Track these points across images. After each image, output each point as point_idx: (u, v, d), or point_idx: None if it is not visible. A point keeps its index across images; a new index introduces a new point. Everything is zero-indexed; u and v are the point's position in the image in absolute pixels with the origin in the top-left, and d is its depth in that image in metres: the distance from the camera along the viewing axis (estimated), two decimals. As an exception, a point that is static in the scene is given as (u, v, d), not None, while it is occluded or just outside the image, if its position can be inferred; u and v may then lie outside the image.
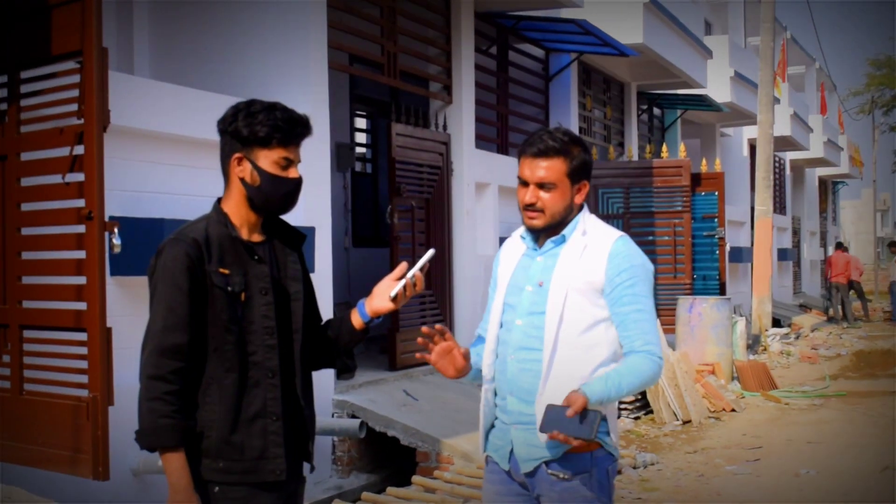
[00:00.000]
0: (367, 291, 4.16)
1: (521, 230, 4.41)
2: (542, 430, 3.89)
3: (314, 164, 10.83)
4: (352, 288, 14.23)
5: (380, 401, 11.34)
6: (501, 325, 4.36)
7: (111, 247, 6.63)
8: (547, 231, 4.27)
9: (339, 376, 11.04)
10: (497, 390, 4.36)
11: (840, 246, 33.88)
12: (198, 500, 3.81)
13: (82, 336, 6.51)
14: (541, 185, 4.17)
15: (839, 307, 30.86)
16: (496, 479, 4.44)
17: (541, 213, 4.19)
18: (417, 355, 4.12)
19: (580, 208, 4.31)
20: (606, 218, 18.71)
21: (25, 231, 6.91)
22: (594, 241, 4.22)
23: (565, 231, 4.25)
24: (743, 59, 27.77)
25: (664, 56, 20.68)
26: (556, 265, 4.21)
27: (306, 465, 4.25)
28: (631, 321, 4.13)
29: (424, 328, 4.15)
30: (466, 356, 4.31)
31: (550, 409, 3.87)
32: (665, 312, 16.82)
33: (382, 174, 15.46)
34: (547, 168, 4.16)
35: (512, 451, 4.29)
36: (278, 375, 3.95)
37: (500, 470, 4.39)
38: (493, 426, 4.41)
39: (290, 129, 3.91)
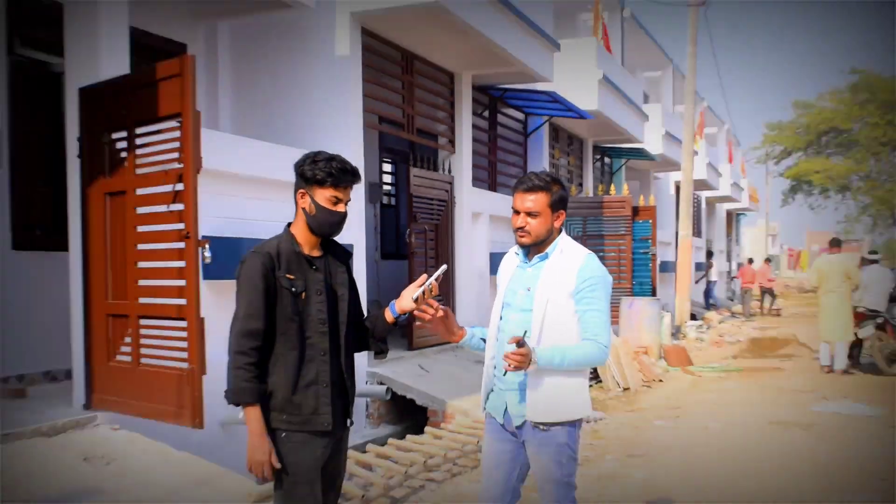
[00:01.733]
0: (391, 293, 4.32)
1: (515, 248, 4.53)
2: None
3: (353, 198, 10.86)
4: (380, 290, 14.23)
5: (401, 372, 11.37)
6: (501, 318, 4.48)
7: (203, 258, 6.71)
8: (533, 247, 4.41)
9: (375, 357, 11.08)
10: (496, 364, 4.45)
11: (750, 261, 33.91)
12: (269, 443, 3.90)
13: (183, 324, 6.62)
14: (528, 213, 4.33)
15: (746, 305, 31.11)
16: (493, 430, 4.54)
17: (528, 234, 4.36)
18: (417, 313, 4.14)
19: (560, 231, 4.46)
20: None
21: (140, 247, 7.01)
22: (568, 258, 4.37)
23: (548, 250, 4.41)
24: (671, 122, 27.73)
25: (613, 119, 20.68)
26: (540, 275, 4.37)
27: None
28: (588, 317, 4.25)
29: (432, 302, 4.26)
30: (460, 327, 4.48)
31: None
32: (612, 309, 16.86)
33: (403, 206, 15.48)
34: (533, 200, 4.32)
35: (506, 410, 4.41)
36: (328, 354, 4.04)
37: (496, 423, 4.50)
38: (492, 390, 4.50)
39: (341, 175, 3.99)
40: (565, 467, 4.34)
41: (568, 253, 4.38)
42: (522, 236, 4.38)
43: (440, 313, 4.29)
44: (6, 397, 8.13)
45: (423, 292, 4.18)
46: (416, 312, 4.23)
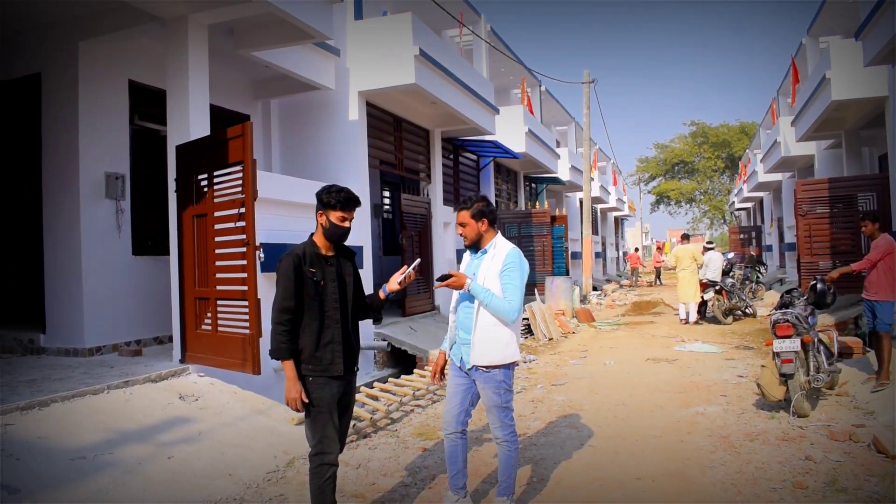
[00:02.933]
0: (390, 277, 4.22)
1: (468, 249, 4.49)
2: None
3: (363, 215, 10.73)
4: (383, 276, 14.09)
5: (397, 331, 11.20)
6: (459, 295, 4.41)
7: (259, 258, 6.51)
8: (475, 246, 4.37)
9: (373, 323, 10.94)
10: (457, 326, 4.36)
11: (636, 250, 34.04)
12: (300, 385, 3.82)
13: (245, 303, 6.46)
14: (461, 225, 4.34)
15: (634, 279, 31.33)
16: (454, 370, 4.43)
17: (465, 238, 4.36)
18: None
19: (495, 232, 4.40)
20: (508, 239, 18.64)
21: (217, 251, 6.81)
22: (499, 251, 4.29)
23: (486, 247, 4.34)
24: (575, 159, 27.69)
25: (536, 158, 20.61)
26: (481, 264, 4.30)
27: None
28: (506, 287, 4.19)
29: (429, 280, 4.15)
30: None
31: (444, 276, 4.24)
32: (539, 286, 16.78)
33: (397, 219, 15.31)
34: (462, 216, 4.33)
35: (462, 357, 4.29)
36: (340, 322, 3.94)
37: (455, 366, 4.40)
38: (454, 343, 4.38)
39: (347, 202, 3.94)
40: (503, 396, 4.25)
41: (499, 248, 4.33)
42: (465, 241, 4.40)
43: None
44: (128, 355, 7.92)
45: (404, 278, 4.23)
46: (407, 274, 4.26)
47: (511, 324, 4.23)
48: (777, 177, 27.39)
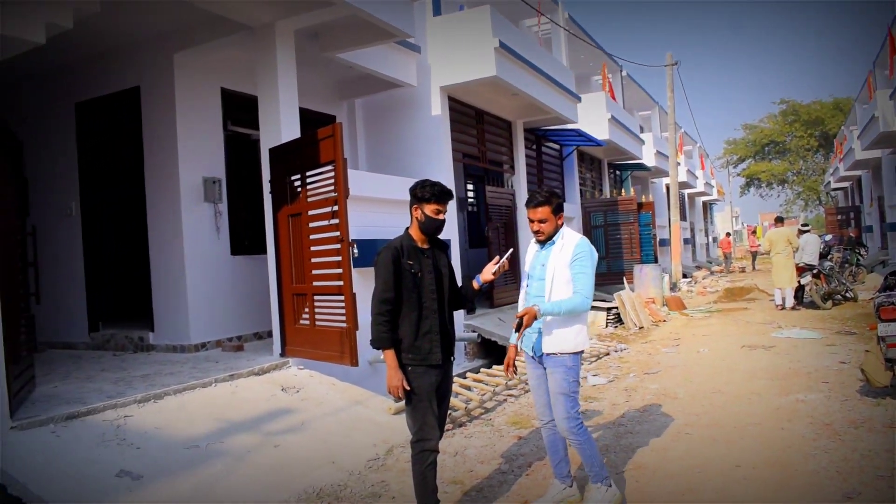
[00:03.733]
0: (477, 270, 4.38)
1: (534, 240, 4.49)
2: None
3: (450, 209, 10.85)
4: (469, 268, 14.18)
5: (486, 323, 11.30)
6: (527, 285, 4.48)
7: (353, 254, 6.71)
8: (546, 240, 4.38)
9: (467, 313, 11.07)
10: None
11: (728, 235, 33.18)
12: (401, 374, 3.93)
13: (341, 298, 6.64)
14: (540, 221, 4.34)
15: (726, 265, 30.68)
16: (531, 364, 4.50)
17: (542, 234, 4.37)
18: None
19: (561, 226, 4.40)
20: (593, 228, 18.55)
21: (312, 248, 7.03)
22: (568, 241, 4.33)
23: (554, 238, 4.36)
24: (660, 144, 27.16)
25: (620, 144, 20.35)
26: (550, 255, 4.34)
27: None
28: (577, 278, 4.22)
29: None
30: None
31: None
32: (628, 274, 16.59)
33: (482, 212, 15.38)
34: (541, 212, 4.32)
35: (532, 346, 4.38)
36: (437, 313, 4.04)
37: (530, 357, 4.48)
38: (525, 335, 4.41)
39: (441, 195, 4.03)
40: (571, 385, 4.28)
41: (567, 238, 4.36)
42: (539, 237, 4.40)
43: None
44: (230, 350, 8.29)
45: (499, 268, 4.29)
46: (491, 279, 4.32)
47: (584, 315, 4.29)
48: (876, 154, 26.10)
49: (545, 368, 4.37)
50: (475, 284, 4.29)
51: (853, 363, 8.11)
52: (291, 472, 5.05)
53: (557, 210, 4.34)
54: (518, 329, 4.18)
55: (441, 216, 4.08)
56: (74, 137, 9.45)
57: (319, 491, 4.85)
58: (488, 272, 4.25)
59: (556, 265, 4.26)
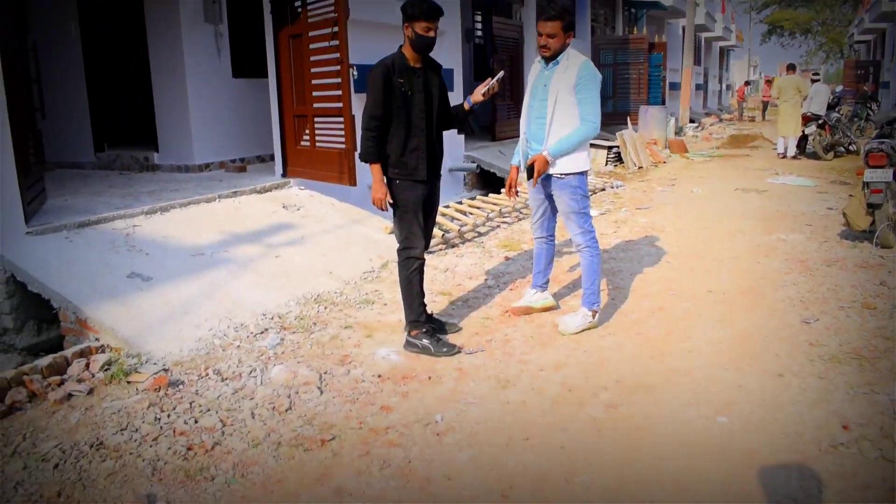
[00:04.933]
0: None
1: (538, 58, 4.49)
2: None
3: (454, 41, 10.73)
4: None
5: (486, 155, 11.46)
6: (529, 105, 4.51)
7: (352, 77, 6.78)
8: (551, 58, 4.36)
9: (458, 133, 11.14)
10: (527, 138, 4.54)
11: (746, 83, 32.68)
12: (385, 187, 4.18)
13: (340, 119, 6.75)
14: (548, 35, 4.30)
15: (737, 113, 30.52)
16: (530, 184, 4.63)
17: (549, 50, 4.34)
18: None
19: (567, 46, 4.37)
20: (602, 67, 18.18)
21: (313, 70, 7.06)
22: (572, 62, 4.33)
23: (559, 58, 4.36)
24: (681, -17, 26.19)
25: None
26: (553, 75, 4.35)
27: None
28: (582, 103, 4.28)
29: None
30: None
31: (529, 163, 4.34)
32: (633, 115, 16.52)
33: (488, 44, 15.10)
34: (551, 26, 4.28)
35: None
36: (424, 132, 4.17)
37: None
38: (526, 156, 4.55)
39: (431, 11, 4.05)
40: (580, 202, 4.45)
41: (572, 59, 4.35)
42: (545, 52, 4.37)
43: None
44: (233, 171, 8.53)
45: (488, 89, 4.37)
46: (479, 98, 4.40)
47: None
48: (904, 4, 25.14)
49: (548, 192, 4.55)
50: (466, 105, 4.41)
51: (839, 210, 8.36)
52: (291, 280, 5.41)
53: (568, 28, 4.31)
54: (530, 177, 4.33)
55: (431, 34, 4.10)
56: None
57: (317, 296, 5.23)
58: (478, 93, 4.36)
59: (560, 86, 4.28)
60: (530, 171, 4.34)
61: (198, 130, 8.54)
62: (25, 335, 4.98)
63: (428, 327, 4.33)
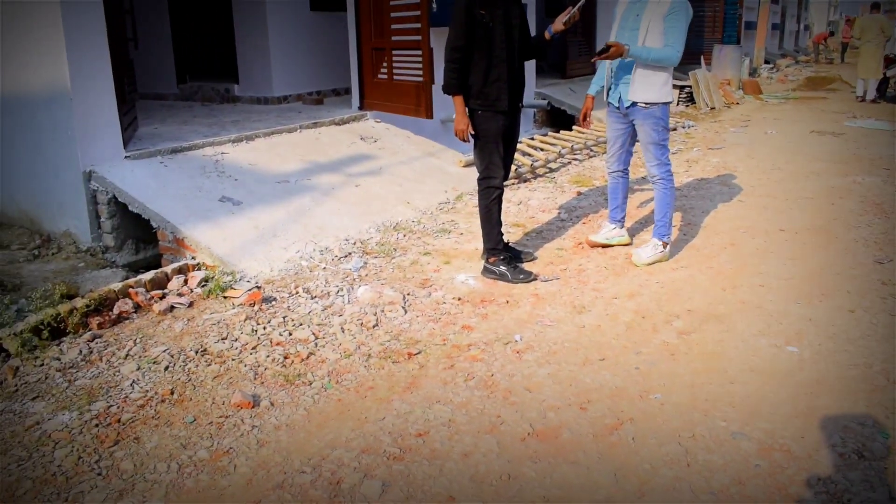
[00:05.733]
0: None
1: None
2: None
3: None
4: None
5: (556, 92, 11.37)
6: (617, 33, 4.50)
7: (431, 10, 6.82)
8: None
9: (539, 60, 11.01)
10: (613, 68, 4.56)
11: (830, 32, 31.53)
12: (468, 118, 4.29)
13: (419, 52, 6.84)
14: None
15: (815, 55, 29.43)
16: (613, 114, 4.69)
17: None
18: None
19: None
20: (678, 4, 17.69)
21: (393, 2, 7.13)
22: None
23: None
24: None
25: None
26: (647, 5, 4.34)
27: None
28: (670, 31, 4.26)
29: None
30: None
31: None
32: (706, 54, 16.08)
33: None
34: None
35: (620, 98, 4.54)
36: (506, 62, 4.23)
37: (614, 109, 4.64)
38: (611, 87, 4.60)
39: None
40: (661, 133, 4.48)
41: None
42: None
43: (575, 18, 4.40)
44: (310, 103, 8.72)
45: (569, 18, 4.38)
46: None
47: (671, 67, 4.39)
48: None
49: (629, 123, 4.60)
50: (546, 35, 4.45)
51: (921, 153, 8.14)
52: (371, 208, 5.61)
53: None
54: (601, 54, 4.28)
55: None
56: None
57: (396, 224, 5.42)
58: (559, 22, 4.39)
59: (652, 16, 4.27)
60: (604, 50, 4.29)
61: (277, 63, 8.73)
62: (125, 253, 5.33)
63: (505, 255, 4.49)
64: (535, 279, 4.38)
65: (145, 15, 9.67)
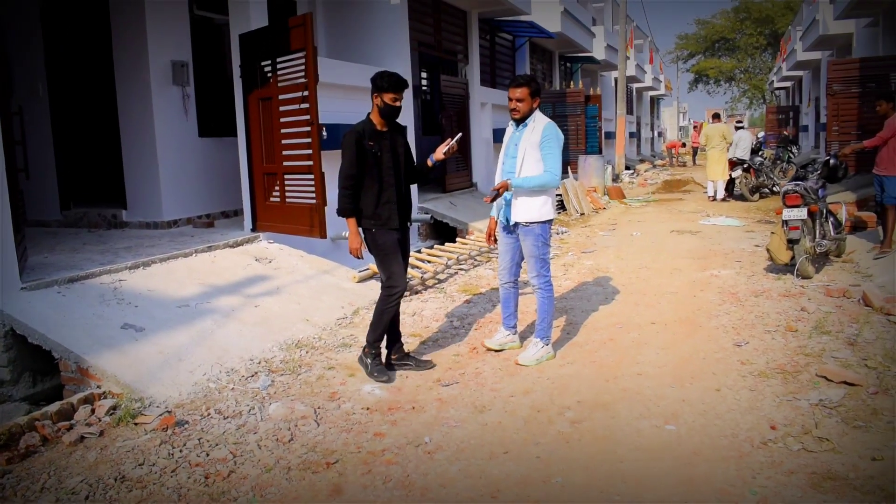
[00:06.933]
0: (430, 154, 5.05)
1: (511, 121, 5.16)
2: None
3: (405, 97, 11.31)
4: (423, 154, 14.77)
5: (439, 206, 12.00)
6: (503, 163, 5.17)
7: (321, 136, 7.26)
8: (520, 120, 5.03)
9: (422, 184, 11.62)
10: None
11: (683, 144, 34.60)
12: (361, 238, 4.80)
13: (311, 177, 7.17)
14: (518, 100, 4.97)
15: (670, 159, 32.02)
16: (503, 232, 5.26)
17: (518, 112, 5.01)
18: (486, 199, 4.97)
19: (535, 110, 5.04)
20: (544, 119, 19.09)
21: (283, 131, 7.48)
22: (538, 124, 4.99)
23: (527, 121, 5.03)
24: (611, 37, 27.58)
25: (572, 37, 20.75)
26: (522, 135, 5.01)
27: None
28: (547, 157, 4.93)
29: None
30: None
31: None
32: (573, 164, 17.38)
33: (436, 100, 15.83)
34: (520, 92, 4.95)
35: (508, 218, 5.12)
36: (394, 186, 4.82)
37: (503, 227, 5.23)
38: (501, 207, 5.19)
39: (398, 85, 4.76)
40: (541, 249, 5.05)
41: (538, 121, 5.01)
42: (515, 114, 5.02)
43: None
44: (201, 226, 8.90)
45: (448, 149, 4.97)
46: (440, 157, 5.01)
47: (550, 189, 5.01)
48: (816, 55, 26.99)
49: (517, 238, 5.14)
50: (429, 162, 5.05)
51: (766, 246, 9.17)
52: (272, 327, 5.84)
53: (535, 94, 4.99)
54: (494, 199, 4.97)
55: (398, 103, 4.79)
56: (38, 16, 9.57)
57: (298, 341, 5.66)
58: (440, 152, 4.98)
59: (527, 145, 4.94)
60: (496, 195, 4.97)
61: (166, 187, 8.90)
62: (22, 386, 5.27)
63: (378, 351, 4.96)
64: (389, 381, 4.83)
65: (27, 141, 9.67)
